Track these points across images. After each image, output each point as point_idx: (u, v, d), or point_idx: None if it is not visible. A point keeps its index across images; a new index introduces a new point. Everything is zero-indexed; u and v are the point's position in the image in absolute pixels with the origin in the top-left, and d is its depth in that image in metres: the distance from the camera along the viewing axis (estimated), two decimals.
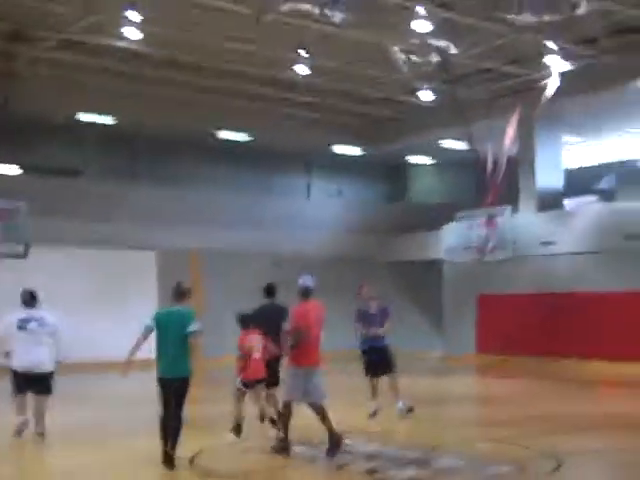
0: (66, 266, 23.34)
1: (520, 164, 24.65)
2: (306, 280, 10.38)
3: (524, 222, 24.14)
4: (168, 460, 9.12)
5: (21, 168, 25.43)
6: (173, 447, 9.14)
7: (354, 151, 30.70)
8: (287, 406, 10.16)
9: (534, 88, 21.78)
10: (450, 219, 26.81)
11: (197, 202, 27.16)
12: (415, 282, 29.87)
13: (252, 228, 27.65)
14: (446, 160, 32.21)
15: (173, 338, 9.28)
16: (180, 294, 9.69)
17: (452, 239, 25.21)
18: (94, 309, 22.98)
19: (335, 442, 9.96)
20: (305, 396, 9.98)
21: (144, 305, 24.03)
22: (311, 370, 10.02)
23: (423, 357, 27.44)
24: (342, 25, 17.77)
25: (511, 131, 22.04)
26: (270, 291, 11.99)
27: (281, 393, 10.73)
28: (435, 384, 20.90)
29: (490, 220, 22.09)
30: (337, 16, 17.15)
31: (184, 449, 9.53)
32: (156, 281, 24.88)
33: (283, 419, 10.18)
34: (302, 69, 21.82)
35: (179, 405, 9.23)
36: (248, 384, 11.34)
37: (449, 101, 23.26)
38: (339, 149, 30.52)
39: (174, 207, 26.45)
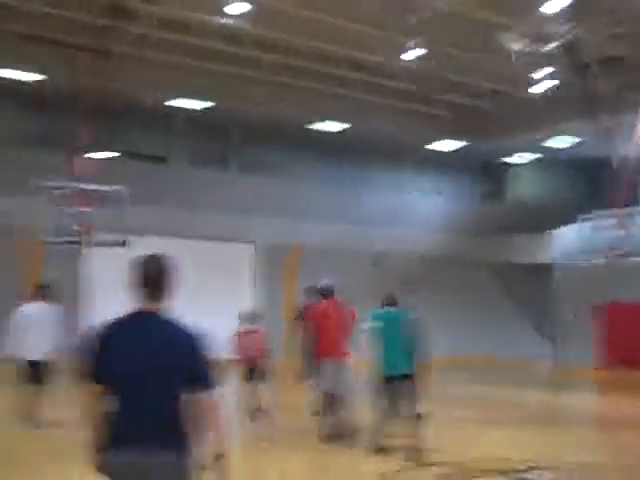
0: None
1: None
2: (323, 281, 10.86)
3: None
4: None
5: (114, 152, 24.16)
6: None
7: (454, 146, 28.83)
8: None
9: None
10: (556, 221, 24.87)
11: (292, 194, 25.83)
12: (518, 286, 27.97)
13: (350, 223, 26.15)
14: (550, 158, 30.14)
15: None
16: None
17: (569, 242, 23.15)
18: (191, 301, 21.34)
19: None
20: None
21: (240, 298, 22.88)
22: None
23: (528, 367, 25.49)
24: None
25: None
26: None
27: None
28: (555, 400, 18.94)
29: (624, 221, 19.89)
30: None
31: None
32: (253, 274, 23.48)
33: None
34: (410, 54, 20.23)
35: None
36: None
37: (573, 92, 21.30)
38: (438, 144, 28.68)
39: (269, 198, 25.11)
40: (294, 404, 13.17)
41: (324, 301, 10.57)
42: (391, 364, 9.51)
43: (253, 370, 11.21)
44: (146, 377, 3.79)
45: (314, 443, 10.21)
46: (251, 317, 11.69)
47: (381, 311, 9.83)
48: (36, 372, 10.96)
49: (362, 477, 8.94)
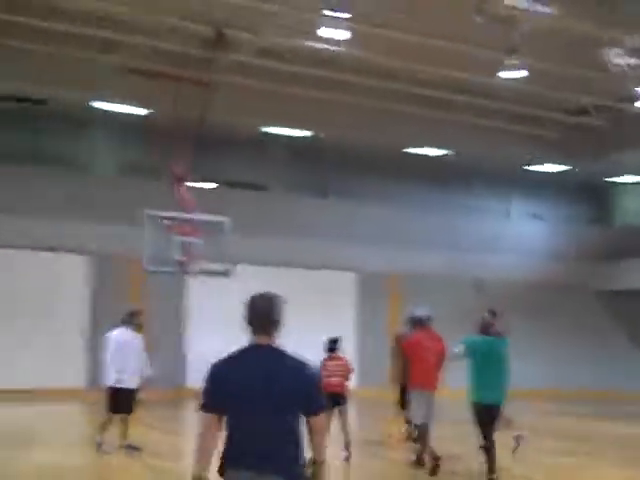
0: (260, 284, 21.96)
1: None
2: (417, 310, 10.87)
3: None
4: None
5: (213, 183, 24.46)
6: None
7: (555, 169, 28.02)
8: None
9: None
10: None
11: (391, 221, 25.53)
12: (631, 313, 26.87)
13: (450, 250, 25.71)
14: None
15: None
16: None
17: None
18: (294, 330, 21.18)
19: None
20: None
21: (340, 328, 22.63)
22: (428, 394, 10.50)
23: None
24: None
25: None
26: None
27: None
28: None
29: None
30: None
31: None
32: (354, 303, 23.31)
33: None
34: (509, 74, 19.74)
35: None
36: None
37: None
38: (540, 167, 27.91)
39: (369, 225, 24.88)
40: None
41: (418, 331, 10.64)
42: (489, 392, 9.54)
43: (336, 397, 11.17)
44: (264, 404, 4.15)
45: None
46: (334, 344, 11.71)
47: (478, 338, 9.74)
48: (122, 399, 11.17)
49: None
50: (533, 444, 12.22)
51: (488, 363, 9.54)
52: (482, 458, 9.53)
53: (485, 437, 9.49)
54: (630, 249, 26.76)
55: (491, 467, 9.46)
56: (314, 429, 4.30)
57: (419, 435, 10.58)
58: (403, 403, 11.96)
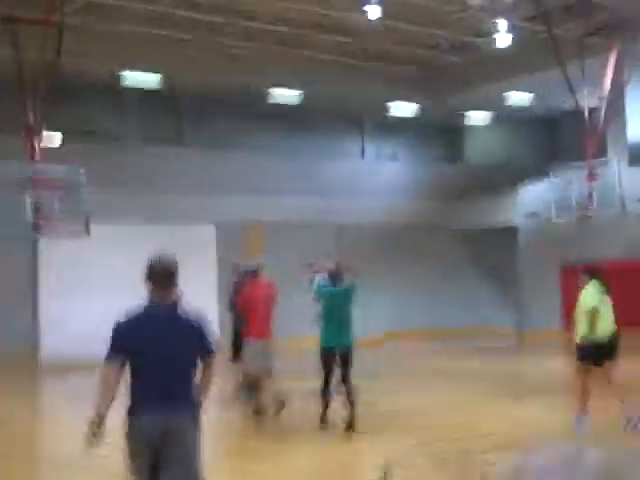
0: (119, 243, 21.25)
1: (610, 113, 22.20)
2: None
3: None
4: None
5: (63, 133, 23.15)
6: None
7: (409, 110, 28.27)
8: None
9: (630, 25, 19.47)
10: (515, 180, 24.61)
11: (248, 169, 25.11)
12: (483, 250, 27.73)
13: (309, 195, 25.59)
14: (507, 116, 29.77)
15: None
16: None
17: (535, 200, 22.89)
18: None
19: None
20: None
21: (205, 281, 22.24)
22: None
23: (495, 333, 25.45)
24: None
25: (610, 72, 19.68)
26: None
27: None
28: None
29: (592, 174, 19.51)
30: None
31: None
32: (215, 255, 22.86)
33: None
34: (369, 11, 19.57)
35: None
36: None
37: (533, 43, 20.81)
38: (394, 107, 28.06)
39: (224, 175, 24.38)
40: None
41: (251, 282, 11.12)
42: (332, 337, 10.20)
43: None
44: (167, 352, 4.98)
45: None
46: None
47: (324, 286, 10.50)
48: None
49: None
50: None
51: (331, 310, 10.26)
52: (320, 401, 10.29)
53: (326, 380, 10.21)
54: (480, 186, 27.48)
55: (350, 405, 10.12)
56: (208, 369, 5.22)
57: (256, 386, 10.95)
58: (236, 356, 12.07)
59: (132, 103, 24.88)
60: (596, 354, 9.56)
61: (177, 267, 5.26)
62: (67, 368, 18.77)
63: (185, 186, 23.32)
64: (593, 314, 9.42)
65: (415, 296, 26.02)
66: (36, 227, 15.56)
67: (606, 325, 9.59)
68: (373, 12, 19.75)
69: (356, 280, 10.75)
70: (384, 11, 19.72)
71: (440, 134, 31.30)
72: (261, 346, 10.83)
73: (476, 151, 31.84)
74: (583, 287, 9.76)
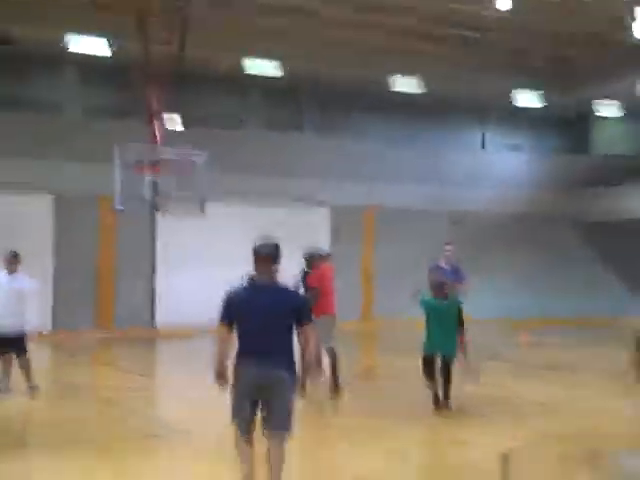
0: (235, 223, 21.70)
1: None
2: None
3: None
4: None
5: (184, 119, 23.87)
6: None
7: (533, 102, 27.61)
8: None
9: None
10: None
11: (367, 156, 25.14)
12: (612, 242, 26.78)
13: (427, 183, 25.45)
14: (637, 108, 28.64)
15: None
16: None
17: None
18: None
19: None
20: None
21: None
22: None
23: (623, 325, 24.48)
24: None
25: None
26: None
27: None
28: None
29: None
30: None
31: None
32: (329, 238, 23.05)
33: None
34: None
35: None
36: None
37: None
38: (518, 98, 27.48)
39: (344, 161, 24.48)
40: None
41: (321, 265, 11.64)
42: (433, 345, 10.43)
43: None
44: (266, 319, 6.06)
45: None
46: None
47: (430, 300, 10.53)
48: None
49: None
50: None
51: (437, 322, 10.42)
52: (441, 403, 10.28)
53: (431, 383, 10.34)
54: (608, 179, 26.63)
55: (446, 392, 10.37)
56: (305, 336, 6.16)
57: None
58: None
59: (254, 91, 25.35)
60: None
61: (277, 250, 6.24)
62: (180, 335, 19.64)
63: (303, 171, 23.54)
64: None
65: (533, 286, 25.44)
66: (155, 206, 16.09)
67: None
68: (503, 3, 19.48)
69: (462, 297, 11.16)
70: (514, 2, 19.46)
71: (566, 125, 30.44)
72: (330, 320, 11.34)
73: (603, 143, 30.78)
74: None
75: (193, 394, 11.71)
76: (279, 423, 6.10)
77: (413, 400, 10.89)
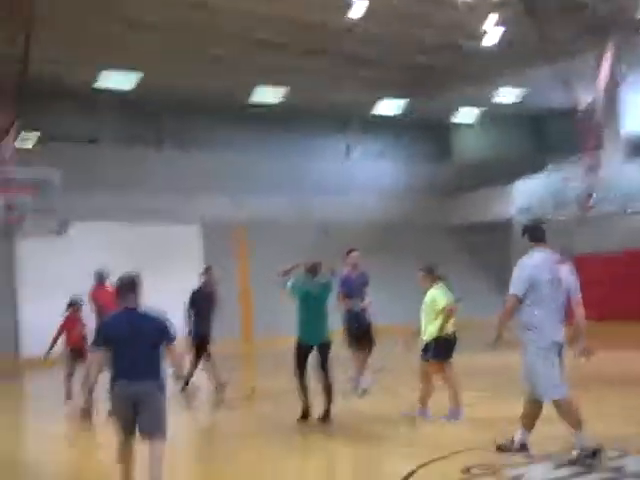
0: (101, 242, 20.50)
1: (605, 109, 21.65)
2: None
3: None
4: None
5: (38, 136, 22.51)
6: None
7: (396, 107, 27.73)
8: None
9: (624, 23, 18.97)
10: (506, 177, 24.07)
11: (231, 168, 24.42)
12: (476, 245, 27.11)
13: (295, 194, 24.94)
14: (495, 113, 29.26)
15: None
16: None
17: (528, 196, 22.25)
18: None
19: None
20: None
21: (189, 281, 21.45)
22: None
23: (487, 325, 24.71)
24: None
25: (606, 69, 19.14)
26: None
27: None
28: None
29: (591, 170, 18.91)
30: None
31: None
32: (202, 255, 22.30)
33: None
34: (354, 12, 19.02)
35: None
36: None
37: (522, 41, 20.28)
38: (381, 107, 27.52)
39: (209, 175, 23.63)
40: None
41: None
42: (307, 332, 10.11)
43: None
44: (135, 342, 6.81)
45: None
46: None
47: (299, 280, 10.25)
48: None
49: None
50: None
51: (307, 306, 10.14)
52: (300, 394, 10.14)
53: (300, 373, 10.11)
54: (469, 183, 27.02)
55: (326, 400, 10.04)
56: (172, 353, 7.00)
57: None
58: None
59: (107, 107, 24.25)
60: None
61: (139, 282, 7.01)
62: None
63: (165, 187, 22.61)
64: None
65: (404, 292, 25.32)
66: (9, 227, 14.87)
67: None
68: (357, 11, 19.21)
69: (333, 277, 10.73)
70: (368, 12, 19.25)
71: (428, 132, 30.76)
72: None
73: (465, 148, 31.31)
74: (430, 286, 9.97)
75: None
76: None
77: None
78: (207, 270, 13.98)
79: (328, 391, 10.06)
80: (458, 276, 26.70)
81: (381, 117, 28.24)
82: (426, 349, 9.75)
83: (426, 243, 26.72)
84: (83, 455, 9.71)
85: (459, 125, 30.76)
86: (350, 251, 12.54)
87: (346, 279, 12.00)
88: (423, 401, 9.90)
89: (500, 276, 26.18)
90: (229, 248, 22.96)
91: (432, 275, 10.01)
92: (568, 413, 7.35)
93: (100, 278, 11.95)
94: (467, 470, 7.32)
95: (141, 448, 6.86)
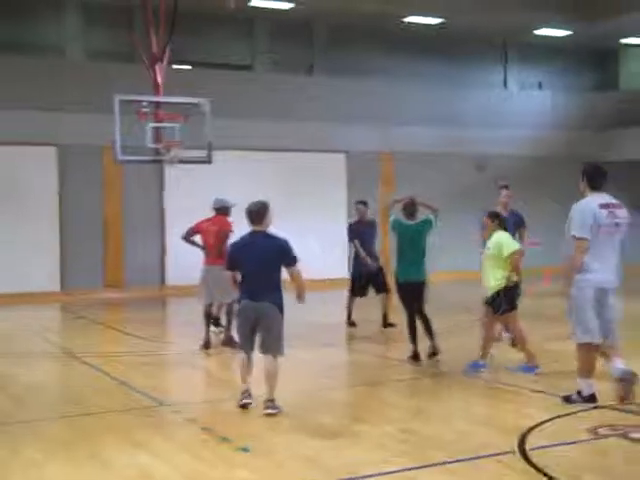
0: (247, 171, 20.68)
1: None
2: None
3: None
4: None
5: (190, 64, 22.70)
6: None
7: (557, 33, 26.15)
8: None
9: None
10: None
11: (384, 97, 23.75)
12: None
13: (446, 125, 24.08)
14: None
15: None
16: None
17: None
18: (287, 220, 19.47)
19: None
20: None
21: (335, 210, 21.49)
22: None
23: None
24: None
25: None
26: None
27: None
28: None
29: None
30: None
31: None
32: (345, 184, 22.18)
33: None
34: None
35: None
36: None
37: None
38: (542, 32, 26.03)
39: (358, 103, 23.15)
40: None
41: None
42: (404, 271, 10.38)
43: None
44: (260, 263, 7.65)
45: None
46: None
47: (398, 219, 10.50)
48: None
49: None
50: None
51: (403, 243, 10.36)
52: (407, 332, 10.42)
53: (408, 312, 10.35)
54: (635, 117, 25.26)
55: (429, 336, 10.37)
56: (292, 275, 7.73)
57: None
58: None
59: (262, 30, 24.18)
60: None
61: (266, 209, 7.81)
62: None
63: (315, 115, 22.36)
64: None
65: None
66: (158, 154, 15.06)
67: None
68: None
69: (434, 215, 10.52)
70: None
71: (592, 59, 28.96)
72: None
73: (630, 78, 29.26)
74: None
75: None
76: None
77: None
78: (362, 202, 13.61)
79: (428, 329, 10.31)
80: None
81: (542, 43, 26.75)
82: (492, 300, 9.45)
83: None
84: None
85: (625, 51, 28.72)
86: (502, 187, 11.87)
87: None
88: (484, 352, 9.64)
89: None
90: (374, 178, 22.62)
91: (497, 221, 9.70)
92: (582, 360, 7.67)
93: (224, 209, 11.77)
94: (594, 430, 6.99)
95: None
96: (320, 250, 20.25)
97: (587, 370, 7.65)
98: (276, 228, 8.06)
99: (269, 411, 7.64)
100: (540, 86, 28.37)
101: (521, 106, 26.15)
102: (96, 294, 19.50)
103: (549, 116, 26.13)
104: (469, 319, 12.37)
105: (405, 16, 23.95)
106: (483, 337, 9.72)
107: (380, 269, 13.16)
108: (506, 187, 11.74)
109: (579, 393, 7.74)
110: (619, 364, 7.73)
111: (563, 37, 26.47)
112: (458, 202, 21.91)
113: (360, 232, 13.18)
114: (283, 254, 7.68)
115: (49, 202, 19.64)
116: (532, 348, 9.70)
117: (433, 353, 10.30)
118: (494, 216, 9.75)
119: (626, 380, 7.64)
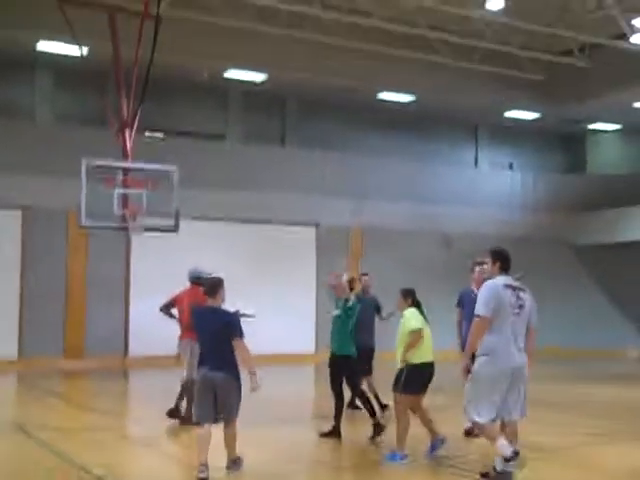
0: (216, 242, 20.43)
1: None
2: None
3: None
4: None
5: (161, 131, 22.64)
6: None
7: (529, 115, 26.53)
8: None
9: None
10: None
11: (355, 171, 23.93)
12: (608, 268, 25.59)
13: (416, 202, 24.13)
14: (636, 126, 27.61)
15: None
16: None
17: None
18: (254, 292, 19.19)
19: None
20: None
21: (304, 284, 21.26)
22: None
23: (620, 356, 23.42)
24: None
25: None
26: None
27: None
28: None
29: None
30: None
31: None
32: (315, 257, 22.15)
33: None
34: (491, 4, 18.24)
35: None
36: None
37: None
38: (513, 113, 26.39)
39: (329, 176, 23.20)
40: None
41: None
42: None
43: None
44: (212, 335, 8.00)
45: None
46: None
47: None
48: None
49: None
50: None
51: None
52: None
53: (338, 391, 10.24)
54: (606, 200, 25.54)
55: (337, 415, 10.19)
56: (237, 348, 7.88)
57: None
58: None
59: (235, 101, 24.24)
60: None
61: (219, 284, 8.18)
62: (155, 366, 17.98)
63: (286, 187, 22.31)
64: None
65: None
66: (124, 221, 14.76)
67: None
68: (495, 3, 18.49)
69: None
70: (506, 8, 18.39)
71: (561, 142, 29.38)
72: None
73: (597, 162, 29.66)
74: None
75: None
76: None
77: None
78: (364, 275, 12.96)
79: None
80: (585, 301, 25.45)
81: (512, 125, 27.13)
82: (396, 379, 8.99)
83: (552, 262, 25.46)
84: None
85: (592, 135, 29.21)
86: (477, 263, 11.50)
87: (468, 294, 10.50)
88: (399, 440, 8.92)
89: (630, 302, 24.83)
90: (343, 252, 22.49)
91: (407, 298, 9.39)
92: (485, 436, 7.60)
93: (196, 279, 11.40)
94: None
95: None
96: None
97: (492, 438, 7.44)
98: (243, 299, 8.49)
99: (233, 472, 8.03)
100: (511, 167, 28.66)
101: (491, 185, 26.38)
102: (55, 363, 18.93)
103: (518, 196, 26.34)
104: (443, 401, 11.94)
105: (377, 92, 24.13)
106: (397, 425, 9.05)
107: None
108: (480, 264, 11.43)
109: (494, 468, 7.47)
110: (506, 447, 7.36)
111: (532, 120, 26.82)
112: (426, 278, 21.75)
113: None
114: (229, 328, 7.91)
115: (10, 265, 19.21)
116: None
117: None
118: (407, 294, 9.43)
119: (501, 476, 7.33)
